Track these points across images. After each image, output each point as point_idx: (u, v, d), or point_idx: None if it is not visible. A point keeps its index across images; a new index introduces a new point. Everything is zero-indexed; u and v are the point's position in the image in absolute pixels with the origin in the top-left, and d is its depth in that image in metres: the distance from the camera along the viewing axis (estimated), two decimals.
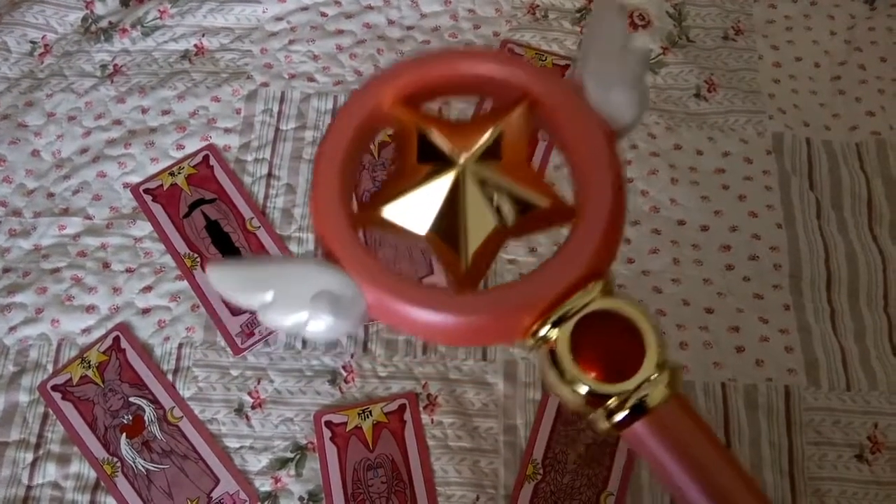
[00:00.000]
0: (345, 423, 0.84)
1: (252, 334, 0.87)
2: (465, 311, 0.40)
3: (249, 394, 0.86)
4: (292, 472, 0.83)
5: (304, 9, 1.07)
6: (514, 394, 0.86)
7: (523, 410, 0.85)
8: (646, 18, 1.07)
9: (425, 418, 0.85)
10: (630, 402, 0.39)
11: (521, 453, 0.83)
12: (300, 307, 0.39)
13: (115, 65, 1.03)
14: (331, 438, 0.83)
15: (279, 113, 1.00)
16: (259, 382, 0.86)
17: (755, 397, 0.85)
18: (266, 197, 0.95)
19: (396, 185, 0.43)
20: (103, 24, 1.06)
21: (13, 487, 0.81)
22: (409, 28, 1.07)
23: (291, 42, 1.05)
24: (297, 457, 0.83)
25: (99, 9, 1.07)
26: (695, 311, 0.90)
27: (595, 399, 0.39)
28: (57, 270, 0.91)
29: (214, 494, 0.81)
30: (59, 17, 1.05)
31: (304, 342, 0.88)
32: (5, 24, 1.04)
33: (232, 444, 0.84)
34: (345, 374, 0.87)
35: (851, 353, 0.87)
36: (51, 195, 0.95)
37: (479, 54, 0.46)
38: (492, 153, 0.42)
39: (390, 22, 1.07)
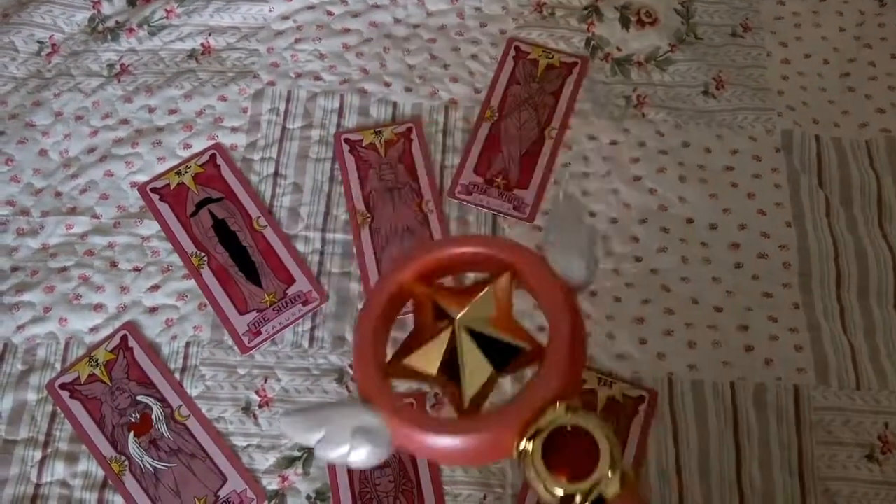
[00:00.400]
0: None
1: (259, 333, 0.87)
2: (464, 433, 0.51)
3: (257, 392, 0.86)
4: (300, 470, 0.83)
5: (311, 7, 1.07)
6: None
7: None
8: (653, 16, 1.06)
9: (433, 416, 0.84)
10: (591, 497, 0.48)
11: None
12: (343, 442, 0.50)
13: (122, 64, 1.03)
14: None
15: (286, 112, 1.00)
16: (266, 381, 0.86)
17: (764, 397, 0.85)
18: (273, 196, 0.95)
19: (415, 341, 0.56)
20: (110, 23, 1.06)
21: (22, 485, 0.82)
22: (416, 26, 1.06)
23: (298, 41, 1.05)
24: (305, 455, 0.83)
25: (106, 8, 1.07)
26: (703, 309, 0.89)
27: (566, 497, 0.49)
28: (65, 269, 0.91)
29: (222, 493, 0.81)
30: (67, 17, 1.06)
31: (311, 340, 0.88)
32: (13, 24, 1.05)
33: (239, 442, 0.84)
34: (352, 372, 0.87)
35: (861, 351, 0.87)
36: (58, 194, 0.95)
37: (471, 241, 0.62)
38: (484, 310, 0.55)
39: (396, 20, 1.07)
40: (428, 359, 0.55)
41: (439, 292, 0.57)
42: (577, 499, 0.49)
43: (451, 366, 0.54)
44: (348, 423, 0.51)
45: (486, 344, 0.55)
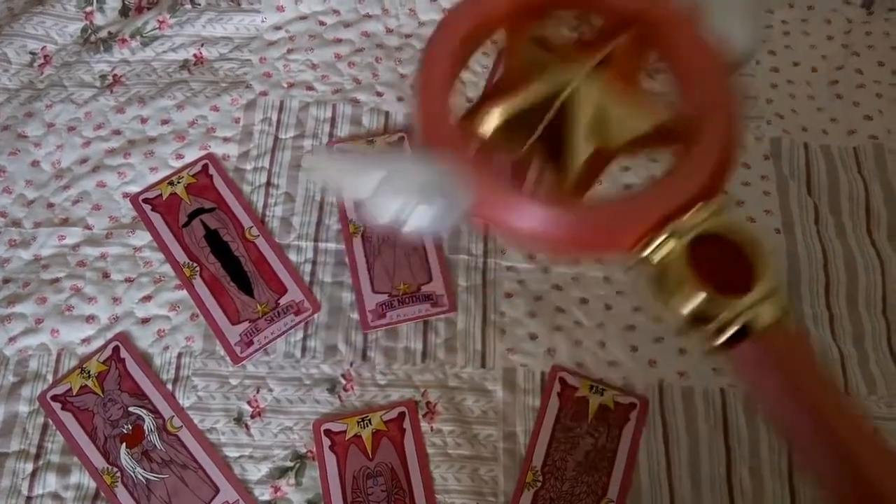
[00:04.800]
0: (344, 432, 0.84)
1: (251, 343, 0.88)
2: (578, 214, 0.39)
3: (249, 403, 0.86)
4: (292, 480, 0.83)
5: (303, 18, 1.07)
6: (513, 401, 0.86)
7: (523, 417, 0.85)
8: None
9: (425, 426, 0.85)
10: (741, 320, 0.38)
11: (520, 460, 0.83)
12: (407, 195, 0.38)
13: (115, 75, 1.04)
14: (330, 447, 0.83)
15: (278, 122, 1.00)
16: (258, 391, 0.86)
17: (754, 402, 0.85)
18: (265, 206, 0.96)
19: (500, 96, 0.42)
20: (102, 34, 1.06)
21: (13, 498, 0.81)
22: (408, 36, 1.07)
23: (290, 51, 1.05)
24: (297, 465, 0.83)
25: (98, 19, 1.07)
26: None
27: (704, 317, 0.39)
28: (57, 280, 0.91)
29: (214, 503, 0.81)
30: (59, 28, 1.06)
31: (304, 350, 0.88)
32: (5, 35, 1.05)
33: (231, 453, 0.84)
34: (344, 382, 0.87)
35: (850, 357, 0.87)
36: (50, 205, 0.95)
37: None
38: (603, 73, 0.42)
39: (388, 30, 1.07)
40: (519, 120, 0.41)
41: (539, 40, 0.44)
42: (712, 325, 0.39)
43: (551, 138, 0.41)
44: (413, 176, 0.38)
45: (604, 110, 0.42)
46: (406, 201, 0.38)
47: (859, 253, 0.93)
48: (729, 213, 0.40)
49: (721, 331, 0.40)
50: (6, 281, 0.91)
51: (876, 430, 0.40)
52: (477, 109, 0.42)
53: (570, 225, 0.39)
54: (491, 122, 0.42)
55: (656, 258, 0.40)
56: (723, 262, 0.39)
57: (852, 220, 0.95)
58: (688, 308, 0.40)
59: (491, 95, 0.43)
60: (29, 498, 0.81)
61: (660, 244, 0.40)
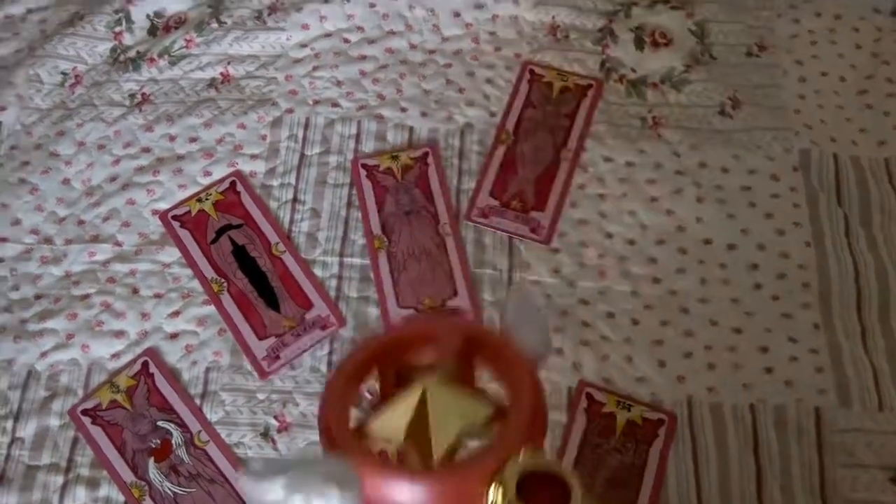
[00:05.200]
0: None
1: (278, 358, 0.88)
2: (433, 480, 0.52)
3: (275, 417, 0.86)
4: None
5: (328, 35, 1.08)
6: None
7: (549, 433, 0.84)
8: (667, 36, 1.07)
9: None
10: None
11: None
12: (311, 492, 0.49)
13: (144, 93, 1.05)
14: None
15: (304, 138, 1.01)
16: (285, 406, 0.87)
17: (785, 418, 0.84)
18: (291, 221, 0.96)
19: (378, 409, 0.57)
20: (131, 53, 1.08)
21: None
22: (431, 52, 1.07)
23: (315, 68, 1.06)
24: None
25: (127, 39, 1.09)
26: (723, 331, 0.89)
27: None
28: (87, 297, 0.92)
29: None
30: (89, 49, 1.08)
31: (329, 364, 0.88)
32: (38, 56, 1.07)
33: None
34: (369, 397, 0.87)
35: (883, 372, 0.86)
36: (81, 223, 0.97)
37: (429, 327, 0.67)
38: (446, 382, 0.56)
39: (412, 46, 1.08)
40: (395, 422, 0.55)
41: (402, 368, 0.60)
42: None
43: (417, 430, 0.55)
44: (316, 472, 0.49)
45: (451, 406, 0.56)
46: (313, 499, 0.48)
47: (891, 265, 0.91)
48: (541, 456, 0.52)
49: None
50: (38, 297, 0.93)
51: None
52: (365, 421, 0.57)
53: (433, 495, 0.51)
54: (375, 428, 0.56)
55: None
56: (547, 492, 0.51)
57: (883, 233, 0.94)
58: None
59: (373, 410, 0.58)
60: None
61: (494, 497, 0.50)
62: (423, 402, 0.56)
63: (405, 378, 0.59)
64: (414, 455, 0.55)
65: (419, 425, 0.55)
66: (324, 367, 0.88)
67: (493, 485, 0.51)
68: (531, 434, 0.54)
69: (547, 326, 0.64)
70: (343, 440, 0.54)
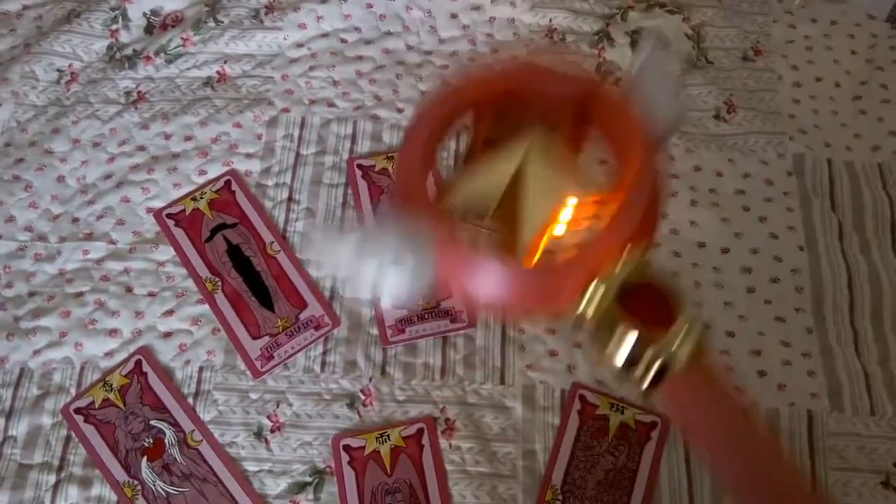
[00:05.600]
0: (363, 447, 0.84)
1: (271, 358, 0.88)
2: (524, 279, 0.46)
3: (268, 417, 0.86)
4: (310, 496, 0.83)
5: (325, 35, 1.08)
6: (532, 418, 0.85)
7: (542, 435, 0.85)
8: (664, 41, 1.07)
9: (443, 443, 0.84)
10: (662, 359, 0.44)
11: (539, 478, 0.83)
12: (380, 258, 0.44)
13: (139, 92, 1.05)
14: (349, 462, 0.83)
15: (299, 138, 1.01)
16: (278, 406, 0.87)
17: (778, 422, 0.84)
18: (286, 221, 0.96)
19: (466, 174, 0.50)
20: (128, 51, 1.08)
21: None
22: (428, 53, 1.07)
23: (312, 68, 1.06)
24: (316, 481, 0.83)
25: (123, 37, 1.09)
26: (716, 334, 0.89)
27: (633, 360, 0.45)
28: (81, 294, 0.92)
29: None
30: (85, 46, 1.08)
31: (323, 364, 0.88)
32: (34, 53, 1.07)
33: (251, 467, 0.84)
34: (363, 397, 0.87)
35: (875, 376, 0.86)
36: (75, 220, 0.97)
37: (541, 71, 0.52)
38: (549, 149, 0.49)
39: (409, 47, 1.08)
40: (483, 192, 0.48)
41: (501, 121, 0.51)
42: (640, 368, 0.45)
43: (508, 205, 0.48)
44: (390, 237, 0.45)
45: (551, 185, 0.48)
46: (380, 265, 0.44)
47: (884, 270, 0.92)
48: (647, 264, 0.47)
49: (647, 371, 0.45)
50: (31, 294, 0.93)
51: (781, 447, 0.54)
52: (449, 183, 0.50)
53: (519, 288, 0.46)
54: (461, 195, 0.49)
55: (590, 310, 0.46)
56: (647, 308, 0.45)
57: (877, 237, 0.94)
58: (621, 350, 0.45)
59: (459, 173, 0.51)
60: None
61: (591, 296, 0.46)
62: (518, 174, 0.48)
63: (502, 135, 0.50)
64: (499, 239, 0.48)
65: (511, 201, 0.48)
66: (317, 368, 0.88)
67: (593, 285, 0.45)
68: (641, 230, 0.47)
69: (680, 94, 0.57)
70: (420, 208, 0.46)
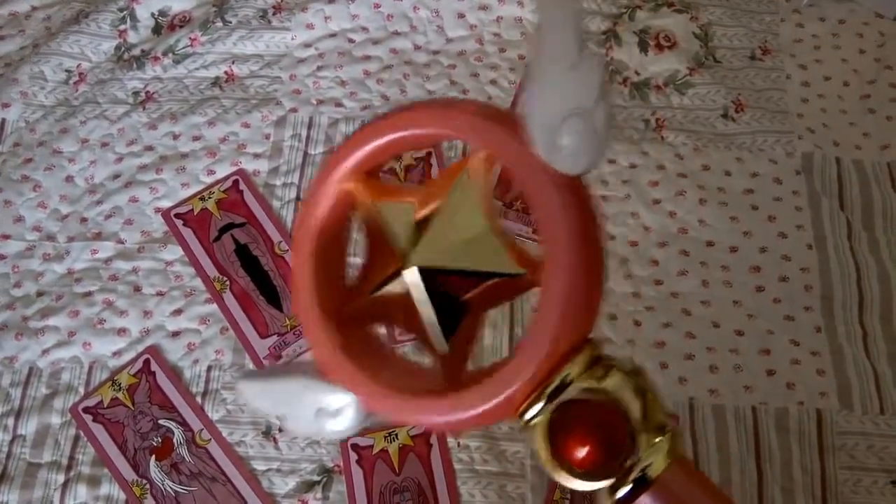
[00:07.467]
0: (371, 446, 0.84)
1: (279, 357, 0.88)
2: (450, 410, 0.38)
3: (277, 416, 0.86)
4: (319, 494, 0.83)
5: (332, 35, 1.08)
6: None
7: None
8: (671, 39, 1.07)
9: (451, 442, 0.84)
10: (632, 476, 0.36)
11: (548, 478, 0.83)
12: (309, 421, 0.41)
13: (147, 92, 1.05)
14: (357, 461, 0.83)
15: (307, 138, 1.01)
16: None
17: (786, 421, 0.84)
18: (294, 221, 0.96)
19: (373, 272, 0.42)
20: (136, 52, 1.08)
21: None
22: (435, 53, 1.08)
23: (319, 68, 1.06)
24: (324, 480, 0.83)
25: (132, 37, 1.09)
26: (725, 333, 0.89)
27: (591, 480, 0.37)
28: (89, 294, 0.92)
29: None
30: (94, 46, 1.08)
31: None
32: (42, 53, 1.07)
33: (259, 466, 0.84)
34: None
35: (885, 375, 0.86)
36: (84, 220, 0.97)
37: (419, 117, 0.41)
38: (454, 218, 0.40)
39: (417, 47, 1.08)
40: (388, 298, 0.41)
41: (389, 197, 0.42)
42: (604, 484, 0.36)
43: (413, 313, 0.41)
44: (312, 400, 0.40)
45: (448, 279, 0.40)
46: (312, 428, 0.41)
47: (893, 269, 0.91)
48: (602, 359, 0.37)
49: (615, 489, 0.36)
50: (40, 294, 0.93)
51: None
52: (356, 298, 0.42)
53: (452, 420, 0.38)
54: (368, 310, 0.42)
55: (533, 426, 0.37)
56: (605, 414, 0.36)
57: (886, 236, 0.94)
58: (567, 483, 0.36)
59: (360, 284, 0.43)
60: None
61: (532, 411, 0.37)
62: (413, 279, 0.40)
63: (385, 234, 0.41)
64: (421, 340, 0.41)
65: (412, 309, 0.40)
66: None
67: (529, 407, 0.36)
68: (568, 325, 0.36)
69: (596, 101, 0.36)
70: (327, 360, 0.40)
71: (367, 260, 0.43)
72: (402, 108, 0.42)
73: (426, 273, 0.40)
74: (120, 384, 0.87)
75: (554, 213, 0.36)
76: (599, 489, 0.36)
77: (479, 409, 0.37)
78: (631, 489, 0.36)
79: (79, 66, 1.07)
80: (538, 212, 0.36)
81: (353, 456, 0.83)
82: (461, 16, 1.10)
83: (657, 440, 0.36)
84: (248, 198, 0.97)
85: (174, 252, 0.95)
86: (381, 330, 0.44)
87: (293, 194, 0.98)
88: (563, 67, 0.36)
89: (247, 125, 1.02)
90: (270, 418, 0.40)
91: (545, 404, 0.36)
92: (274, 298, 0.91)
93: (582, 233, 0.36)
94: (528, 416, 0.37)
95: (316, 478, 0.84)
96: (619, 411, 0.36)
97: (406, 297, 0.41)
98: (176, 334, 0.90)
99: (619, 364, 0.37)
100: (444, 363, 0.41)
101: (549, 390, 0.36)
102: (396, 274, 0.41)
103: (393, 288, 0.41)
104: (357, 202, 0.42)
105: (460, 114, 0.39)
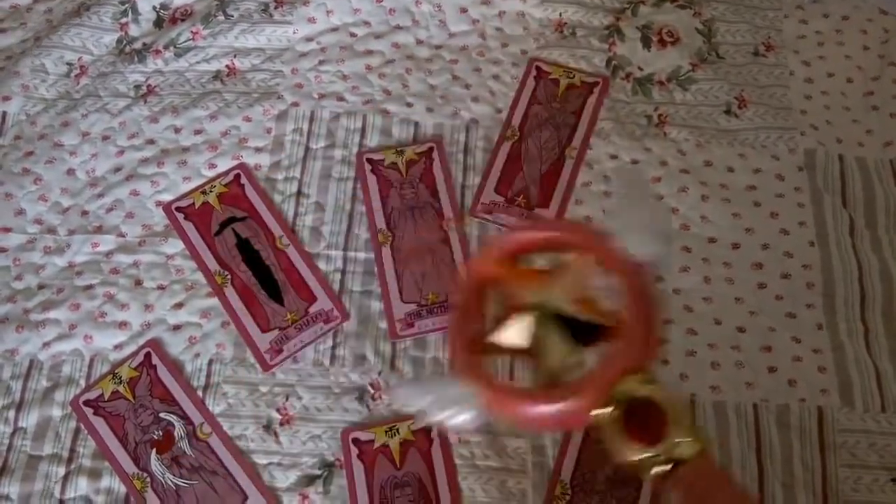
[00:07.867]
0: (372, 441, 0.84)
1: (281, 351, 0.88)
2: (544, 402, 0.57)
3: (278, 410, 0.86)
4: (320, 489, 0.83)
5: (334, 29, 1.08)
6: None
7: (551, 433, 0.84)
8: (674, 35, 1.06)
9: (452, 437, 0.84)
10: (669, 457, 0.53)
11: (549, 473, 0.83)
12: (447, 408, 0.60)
13: (149, 85, 1.05)
14: (358, 456, 0.83)
15: (309, 132, 1.01)
16: (287, 399, 0.87)
17: (788, 418, 0.84)
18: (296, 215, 0.96)
19: (503, 320, 0.62)
20: (137, 45, 1.08)
21: (46, 501, 0.82)
22: (438, 47, 1.07)
23: (321, 62, 1.06)
24: (325, 474, 0.83)
25: (133, 30, 1.09)
26: (726, 330, 0.89)
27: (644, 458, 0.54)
28: (90, 287, 0.92)
29: None
30: (95, 39, 1.08)
31: (333, 358, 0.88)
32: (44, 46, 1.07)
33: (260, 460, 0.84)
34: (372, 391, 0.87)
35: (886, 373, 0.86)
36: (85, 213, 0.97)
37: (541, 226, 0.73)
38: (564, 290, 0.61)
39: (419, 42, 1.08)
40: (513, 336, 0.61)
41: (522, 275, 0.63)
42: (651, 463, 0.53)
43: (531, 348, 0.61)
44: (450, 394, 0.60)
45: (566, 322, 0.59)
46: (447, 413, 0.60)
47: (895, 267, 0.91)
48: (649, 384, 0.54)
49: (657, 466, 0.54)
50: (41, 287, 0.93)
51: None
52: (488, 337, 0.63)
53: (544, 414, 0.57)
54: (497, 344, 0.62)
55: (604, 423, 0.55)
56: (652, 417, 0.54)
57: (888, 234, 0.94)
58: (629, 456, 0.54)
59: (495, 325, 0.63)
60: (61, 501, 0.82)
61: (604, 412, 0.55)
62: (535, 328, 0.60)
63: (514, 293, 0.62)
64: (533, 368, 0.61)
65: (536, 344, 0.60)
66: (327, 361, 0.88)
67: (603, 409, 0.54)
68: (638, 355, 0.55)
69: (658, 223, 0.63)
70: (462, 366, 0.61)
71: (494, 314, 0.64)
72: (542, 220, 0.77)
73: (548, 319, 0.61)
74: (121, 377, 0.87)
75: (631, 285, 0.58)
76: (645, 457, 0.54)
77: (581, 404, 0.55)
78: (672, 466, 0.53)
79: (80, 59, 1.07)
80: (624, 289, 0.58)
81: (355, 450, 0.83)
82: (463, 10, 1.09)
83: (685, 442, 0.53)
84: (250, 192, 0.97)
85: (175, 246, 0.95)
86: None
87: (294, 188, 0.98)
88: (641, 211, 0.62)
89: (248, 119, 1.02)
90: (413, 411, 0.62)
91: (617, 403, 0.55)
92: (275, 293, 0.91)
93: (647, 302, 0.57)
94: (605, 411, 0.55)
95: (317, 472, 0.84)
96: (659, 411, 0.54)
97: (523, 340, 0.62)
98: (177, 328, 0.90)
99: (659, 383, 0.55)
100: (540, 382, 0.61)
101: (618, 394, 0.55)
102: (515, 320, 0.62)
103: (521, 325, 0.61)
104: (498, 276, 0.64)
105: (579, 227, 0.67)
